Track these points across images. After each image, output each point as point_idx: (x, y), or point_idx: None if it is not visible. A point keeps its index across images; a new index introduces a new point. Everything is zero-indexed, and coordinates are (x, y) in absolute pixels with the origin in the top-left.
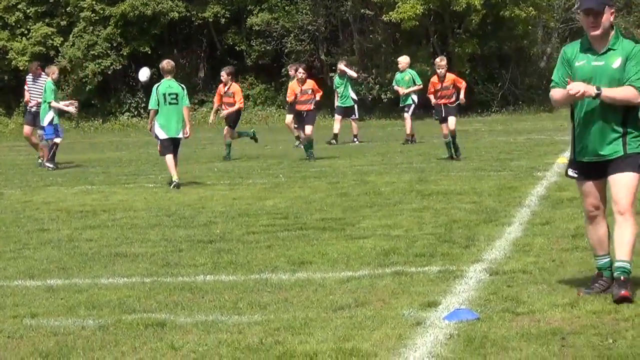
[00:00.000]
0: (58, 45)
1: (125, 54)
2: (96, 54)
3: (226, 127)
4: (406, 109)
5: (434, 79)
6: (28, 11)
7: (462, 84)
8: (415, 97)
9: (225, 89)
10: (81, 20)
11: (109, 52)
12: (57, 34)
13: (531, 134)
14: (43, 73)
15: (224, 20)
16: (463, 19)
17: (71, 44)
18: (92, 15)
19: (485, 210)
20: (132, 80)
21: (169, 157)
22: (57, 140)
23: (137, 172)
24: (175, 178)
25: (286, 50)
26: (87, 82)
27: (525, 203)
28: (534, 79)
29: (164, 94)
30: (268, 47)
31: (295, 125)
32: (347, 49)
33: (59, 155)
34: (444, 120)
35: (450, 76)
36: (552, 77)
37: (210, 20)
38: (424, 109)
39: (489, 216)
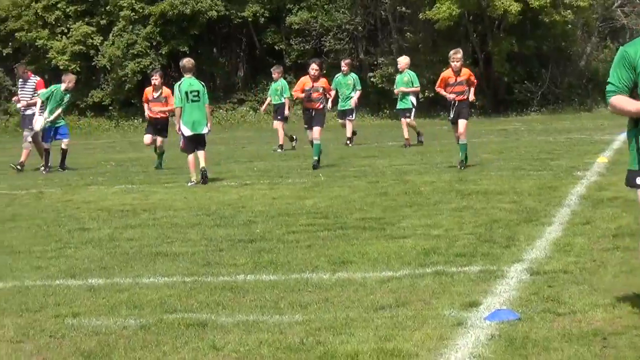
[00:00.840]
0: (98, 44)
1: (164, 53)
2: (136, 53)
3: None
4: (407, 114)
5: (447, 72)
6: (68, 10)
7: (475, 82)
8: (414, 100)
9: (157, 93)
10: (121, 19)
11: (148, 51)
12: (97, 33)
13: (571, 133)
14: (32, 75)
15: (263, 19)
16: (502, 18)
17: (111, 42)
18: (131, 14)
19: (526, 210)
20: (172, 79)
21: (192, 157)
22: (47, 145)
23: (177, 171)
24: (194, 178)
25: (325, 49)
26: (126, 81)
27: (565, 203)
28: (574, 78)
29: (187, 92)
30: (307, 46)
31: (306, 126)
32: (386, 48)
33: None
34: (455, 121)
35: (466, 71)
36: (609, 80)
37: (250, 19)
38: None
39: (529, 216)
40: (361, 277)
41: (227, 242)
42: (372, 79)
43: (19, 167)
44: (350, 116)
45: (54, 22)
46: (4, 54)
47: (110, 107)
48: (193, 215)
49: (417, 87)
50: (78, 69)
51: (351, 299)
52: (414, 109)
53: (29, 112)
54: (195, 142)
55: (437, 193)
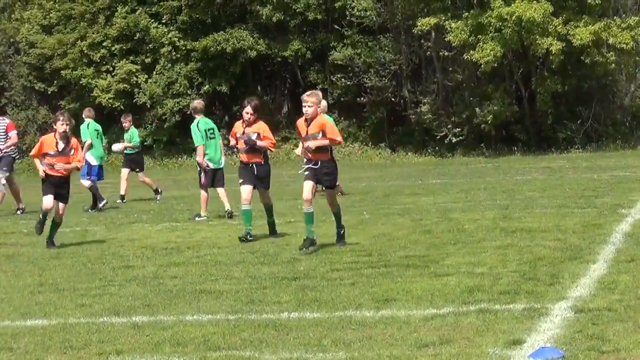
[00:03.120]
0: (142, 82)
1: (204, 92)
2: (175, 92)
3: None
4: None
5: (299, 121)
6: (113, 48)
7: (336, 139)
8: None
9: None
10: (161, 57)
11: (188, 91)
12: (142, 71)
13: (615, 171)
14: (1, 118)
15: (306, 57)
16: (544, 57)
17: (154, 81)
18: (172, 52)
19: (570, 248)
20: (216, 118)
21: (205, 193)
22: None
23: (220, 209)
24: (204, 213)
25: (367, 86)
26: (165, 120)
27: (610, 240)
28: (617, 115)
29: (205, 130)
30: (349, 83)
31: (241, 180)
32: (429, 87)
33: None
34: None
35: (322, 119)
36: None
37: (291, 58)
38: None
39: (573, 253)
40: (405, 314)
41: (270, 279)
42: (413, 117)
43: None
44: None
45: (99, 60)
46: (49, 92)
47: (154, 146)
48: (237, 253)
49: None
50: (122, 107)
51: (395, 337)
52: None
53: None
54: (214, 178)
55: (481, 230)
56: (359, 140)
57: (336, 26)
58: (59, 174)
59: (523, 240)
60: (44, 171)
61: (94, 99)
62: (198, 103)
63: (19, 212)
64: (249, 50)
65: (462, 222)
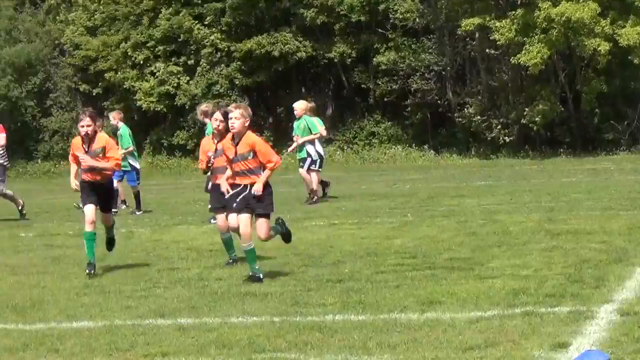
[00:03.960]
0: (184, 83)
1: (247, 93)
2: (216, 92)
3: None
4: (301, 164)
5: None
6: (157, 50)
7: (273, 161)
8: (311, 150)
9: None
10: (203, 58)
11: (229, 91)
12: (184, 73)
13: None
14: None
15: (350, 59)
16: (591, 58)
17: (195, 82)
18: (214, 53)
19: (616, 250)
20: (261, 119)
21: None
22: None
23: None
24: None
25: (412, 89)
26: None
27: None
28: None
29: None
30: (394, 86)
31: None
32: (474, 88)
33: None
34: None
35: (250, 138)
36: None
37: (337, 59)
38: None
39: (619, 256)
40: (450, 317)
41: (315, 282)
42: (458, 119)
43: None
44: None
45: (141, 62)
46: (94, 94)
47: (197, 149)
48: (282, 255)
49: (315, 134)
50: (165, 109)
51: (440, 340)
52: (309, 159)
53: None
54: None
55: (526, 233)
56: (401, 142)
57: (379, 29)
58: (93, 179)
59: (568, 243)
60: (77, 183)
61: (136, 102)
62: (207, 107)
63: (20, 208)
64: (296, 53)
65: (507, 224)
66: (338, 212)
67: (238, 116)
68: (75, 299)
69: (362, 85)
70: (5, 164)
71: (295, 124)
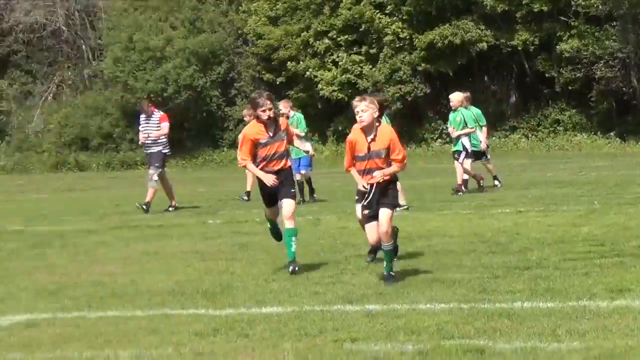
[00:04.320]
0: (366, 72)
1: (429, 80)
2: (398, 78)
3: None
4: (455, 156)
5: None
6: (339, 39)
7: (402, 160)
8: (466, 142)
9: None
10: (386, 45)
11: (411, 78)
12: (366, 62)
13: None
14: (156, 110)
15: (533, 47)
16: None
17: (378, 69)
18: (396, 41)
19: None
20: (443, 107)
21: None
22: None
23: (451, 198)
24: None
25: (596, 77)
26: (388, 106)
27: None
28: None
29: None
30: (578, 74)
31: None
32: None
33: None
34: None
35: (387, 132)
36: None
37: (520, 47)
38: None
39: None
40: None
41: (502, 269)
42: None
43: (144, 207)
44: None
45: (323, 52)
46: (278, 83)
47: None
48: (468, 242)
49: (471, 128)
50: (346, 98)
51: (630, 327)
52: (464, 153)
53: (153, 149)
54: None
55: None
56: (586, 129)
57: (561, 17)
58: (277, 167)
59: None
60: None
61: (318, 92)
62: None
63: (170, 209)
64: (479, 43)
65: None
66: (523, 200)
67: (365, 108)
68: (263, 285)
69: (546, 74)
70: (166, 152)
71: (451, 115)
